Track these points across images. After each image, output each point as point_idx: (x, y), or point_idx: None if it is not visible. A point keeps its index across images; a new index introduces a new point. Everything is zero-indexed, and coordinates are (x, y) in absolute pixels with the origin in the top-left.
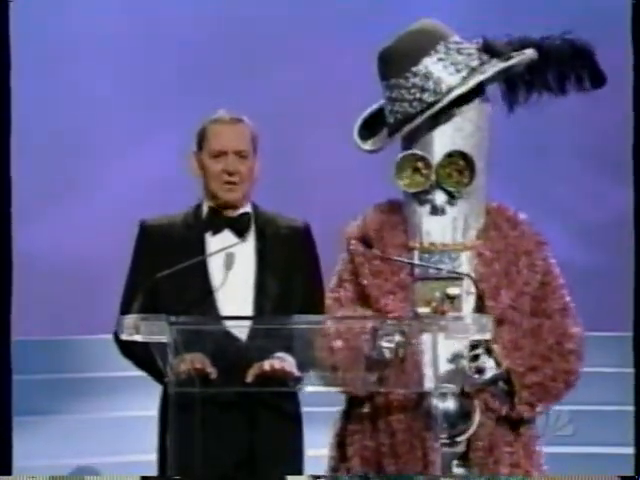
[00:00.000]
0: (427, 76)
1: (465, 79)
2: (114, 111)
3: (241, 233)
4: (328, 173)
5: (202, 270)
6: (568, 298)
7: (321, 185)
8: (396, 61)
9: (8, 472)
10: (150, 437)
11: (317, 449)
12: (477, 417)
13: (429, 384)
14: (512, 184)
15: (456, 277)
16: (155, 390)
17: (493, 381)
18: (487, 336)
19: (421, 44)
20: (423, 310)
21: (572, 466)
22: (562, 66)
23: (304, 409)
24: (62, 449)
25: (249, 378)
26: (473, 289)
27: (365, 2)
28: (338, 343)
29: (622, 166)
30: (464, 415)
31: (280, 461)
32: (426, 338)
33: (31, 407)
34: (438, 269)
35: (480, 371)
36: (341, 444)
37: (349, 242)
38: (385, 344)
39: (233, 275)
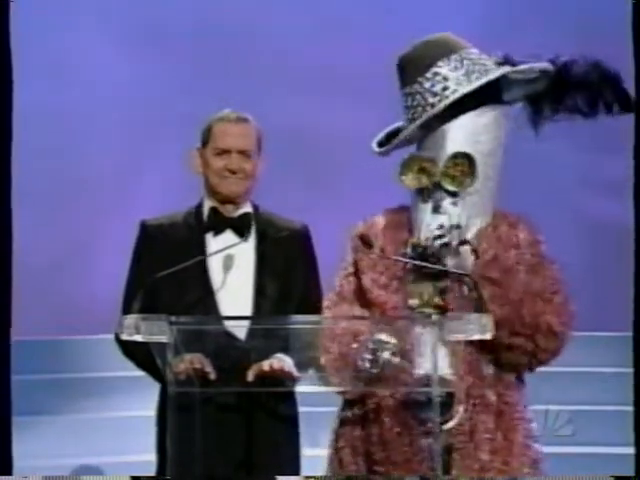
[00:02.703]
0: (438, 81)
1: (471, 82)
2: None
3: (242, 233)
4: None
5: (202, 271)
6: (558, 299)
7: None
8: (411, 68)
9: (8, 472)
10: (150, 437)
11: (314, 449)
12: (461, 406)
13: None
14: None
15: (447, 272)
16: (155, 390)
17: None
18: (487, 336)
19: (436, 52)
20: (414, 302)
21: (572, 466)
22: (591, 90)
23: (304, 409)
24: (62, 449)
25: (249, 378)
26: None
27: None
28: (330, 345)
29: (622, 175)
30: (446, 404)
31: (277, 461)
32: (424, 338)
33: (31, 407)
34: (438, 269)
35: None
36: (334, 440)
37: (355, 239)
38: (370, 357)
39: (233, 276)
